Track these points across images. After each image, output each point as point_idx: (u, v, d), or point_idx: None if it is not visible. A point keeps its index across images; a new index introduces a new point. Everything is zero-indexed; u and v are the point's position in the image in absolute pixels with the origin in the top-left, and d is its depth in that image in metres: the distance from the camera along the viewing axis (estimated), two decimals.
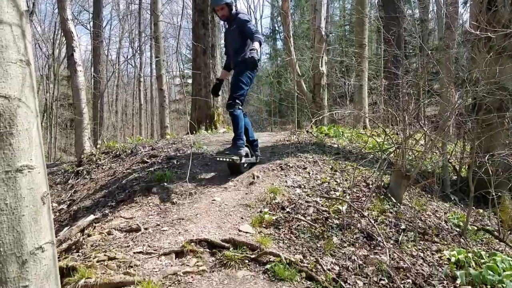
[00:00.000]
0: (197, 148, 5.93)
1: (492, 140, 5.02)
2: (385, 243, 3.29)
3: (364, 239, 3.48)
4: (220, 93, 5.15)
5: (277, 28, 27.45)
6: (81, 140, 7.63)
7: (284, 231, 3.46)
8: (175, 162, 5.39)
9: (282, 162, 5.01)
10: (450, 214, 4.49)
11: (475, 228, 4.19)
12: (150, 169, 5.28)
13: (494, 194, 4.07)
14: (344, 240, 3.40)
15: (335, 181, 4.58)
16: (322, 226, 3.56)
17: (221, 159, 4.59)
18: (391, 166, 4.66)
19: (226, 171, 4.84)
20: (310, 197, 4.12)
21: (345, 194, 4.21)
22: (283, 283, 2.75)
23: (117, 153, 6.73)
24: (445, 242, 3.69)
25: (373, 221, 3.63)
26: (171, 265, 2.90)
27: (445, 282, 3.05)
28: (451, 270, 3.17)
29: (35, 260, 1.45)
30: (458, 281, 3.02)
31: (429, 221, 4.10)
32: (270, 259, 2.96)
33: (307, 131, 7.09)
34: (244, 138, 4.70)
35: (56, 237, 1.97)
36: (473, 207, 4.60)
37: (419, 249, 3.49)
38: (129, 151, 6.60)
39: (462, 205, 5.00)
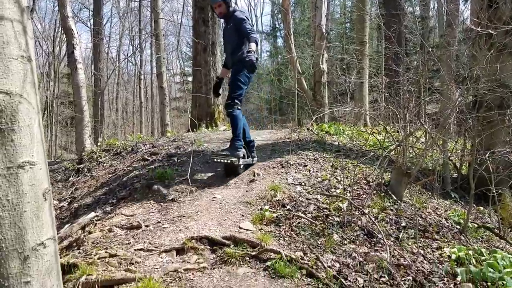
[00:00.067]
0: (197, 146, 5.93)
1: (492, 138, 5.01)
2: (385, 240, 3.29)
3: (365, 236, 3.48)
4: (220, 91, 5.13)
5: (277, 26, 27.41)
6: (82, 137, 7.64)
7: (284, 229, 3.46)
8: (176, 160, 5.40)
9: (282, 160, 5.01)
10: (451, 211, 4.50)
11: (476, 225, 4.20)
12: (151, 166, 5.28)
13: (494, 191, 4.07)
14: (344, 238, 3.41)
15: (336, 178, 4.58)
16: (322, 224, 3.57)
17: (218, 160, 4.51)
18: (391, 163, 4.66)
19: None
20: (310, 194, 4.13)
21: (345, 192, 4.21)
22: (284, 280, 2.75)
23: (118, 151, 6.73)
24: (446, 240, 3.70)
25: (373, 219, 3.64)
26: (172, 262, 2.90)
27: (445, 279, 3.05)
28: (452, 267, 3.17)
29: (37, 256, 1.45)
30: (459, 278, 3.02)
31: (430, 218, 4.10)
32: (271, 256, 2.96)
33: (308, 129, 7.09)
34: (242, 139, 4.63)
35: (57, 234, 1.97)
36: (474, 205, 4.60)
37: (420, 246, 3.50)
38: (130, 148, 6.60)
39: (462, 203, 5.01)
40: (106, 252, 3.02)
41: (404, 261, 3.17)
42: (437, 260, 3.32)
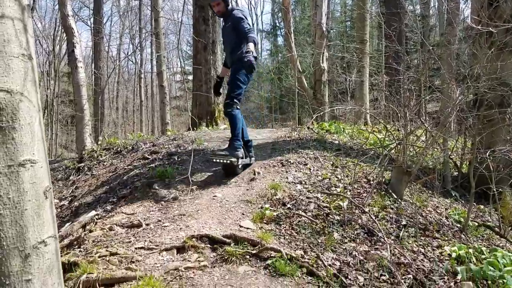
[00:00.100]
0: (198, 145, 5.93)
1: (493, 136, 5.01)
2: (386, 239, 3.29)
3: (365, 235, 3.48)
4: (221, 90, 5.11)
5: (278, 24, 27.37)
6: (82, 136, 7.63)
7: (285, 227, 3.47)
8: (176, 158, 5.40)
9: (283, 158, 5.01)
10: (451, 210, 4.50)
11: (476, 224, 4.19)
12: (151, 165, 5.29)
13: (495, 190, 4.07)
14: (345, 236, 3.41)
15: (336, 177, 4.58)
16: (323, 222, 3.57)
17: (217, 160, 4.46)
18: (392, 162, 4.66)
19: None
20: (311, 193, 4.13)
21: (346, 190, 4.21)
22: (284, 278, 2.75)
23: (118, 150, 6.74)
24: (446, 238, 3.70)
25: (374, 217, 3.64)
26: (173, 261, 2.91)
27: (446, 277, 3.05)
28: (452, 266, 3.17)
29: (38, 254, 1.45)
30: (459, 277, 3.02)
31: (430, 217, 4.10)
32: (271, 255, 2.97)
33: (308, 128, 7.09)
34: (241, 139, 4.59)
35: (58, 232, 1.98)
36: (474, 203, 4.60)
37: (420, 244, 3.50)
38: (130, 147, 6.61)
39: (463, 201, 5.00)
40: (106, 250, 3.03)
41: (405, 260, 3.17)
42: (438, 258, 3.32)
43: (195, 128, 8.30)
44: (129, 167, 5.58)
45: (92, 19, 19.14)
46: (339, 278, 2.82)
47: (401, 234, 3.56)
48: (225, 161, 4.42)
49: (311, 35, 18.51)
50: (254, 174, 4.54)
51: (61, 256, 2.94)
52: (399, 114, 4.71)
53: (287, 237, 3.31)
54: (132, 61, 27.85)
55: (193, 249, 3.03)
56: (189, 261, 2.90)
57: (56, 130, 21.45)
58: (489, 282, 2.98)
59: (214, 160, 4.50)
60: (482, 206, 4.92)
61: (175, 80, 32.31)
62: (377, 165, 4.51)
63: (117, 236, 3.39)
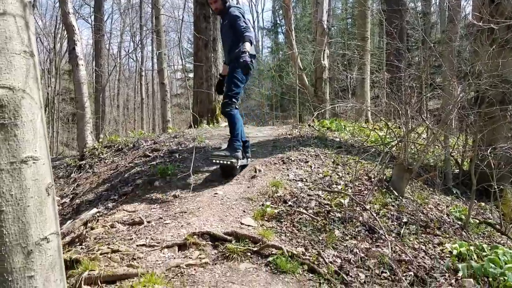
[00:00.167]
0: (199, 142, 5.93)
1: (494, 133, 5.00)
2: (387, 236, 3.30)
3: (366, 232, 3.49)
4: (224, 89, 5.08)
5: (278, 22, 27.35)
6: (83, 134, 7.64)
7: (286, 224, 3.47)
8: (177, 156, 5.40)
9: (284, 156, 5.01)
10: (452, 207, 4.50)
11: (477, 221, 4.19)
12: (152, 163, 5.29)
13: (496, 187, 4.07)
14: (346, 233, 3.41)
15: (337, 174, 4.59)
16: (324, 219, 3.57)
17: (216, 161, 4.42)
18: (393, 159, 4.66)
19: None
20: (312, 190, 4.13)
21: (347, 188, 4.21)
22: (285, 275, 2.76)
23: (119, 147, 6.75)
24: (447, 235, 3.70)
25: (375, 214, 3.64)
26: (174, 258, 2.91)
27: (446, 274, 3.06)
28: (453, 263, 3.17)
29: (40, 250, 1.45)
30: (460, 274, 3.03)
31: (431, 214, 4.11)
32: (272, 252, 2.97)
33: (309, 125, 7.08)
34: (241, 139, 4.52)
35: (60, 229, 1.98)
36: (475, 201, 4.60)
37: (421, 242, 3.50)
38: (131, 145, 6.61)
39: (464, 199, 5.00)
40: (108, 247, 3.03)
41: (406, 257, 3.17)
42: (439, 255, 3.32)
43: (196, 126, 8.31)
44: (130, 164, 5.59)
45: (92, 17, 19.16)
46: (340, 275, 2.82)
47: (402, 232, 3.56)
48: (225, 162, 4.38)
49: (312, 33, 18.47)
50: (255, 172, 4.54)
51: (63, 253, 2.95)
52: (400, 112, 4.70)
53: (288, 234, 3.31)
54: (133, 59, 27.85)
55: (194, 246, 3.04)
56: (191, 258, 2.90)
57: (57, 128, 21.48)
58: (490, 279, 2.98)
59: (214, 160, 4.47)
60: (483, 204, 4.92)
61: (176, 77, 32.34)
62: (378, 162, 4.51)
63: (119, 234, 3.40)
